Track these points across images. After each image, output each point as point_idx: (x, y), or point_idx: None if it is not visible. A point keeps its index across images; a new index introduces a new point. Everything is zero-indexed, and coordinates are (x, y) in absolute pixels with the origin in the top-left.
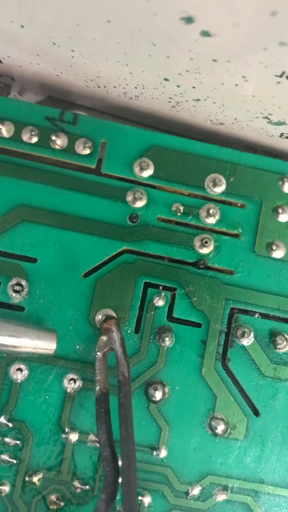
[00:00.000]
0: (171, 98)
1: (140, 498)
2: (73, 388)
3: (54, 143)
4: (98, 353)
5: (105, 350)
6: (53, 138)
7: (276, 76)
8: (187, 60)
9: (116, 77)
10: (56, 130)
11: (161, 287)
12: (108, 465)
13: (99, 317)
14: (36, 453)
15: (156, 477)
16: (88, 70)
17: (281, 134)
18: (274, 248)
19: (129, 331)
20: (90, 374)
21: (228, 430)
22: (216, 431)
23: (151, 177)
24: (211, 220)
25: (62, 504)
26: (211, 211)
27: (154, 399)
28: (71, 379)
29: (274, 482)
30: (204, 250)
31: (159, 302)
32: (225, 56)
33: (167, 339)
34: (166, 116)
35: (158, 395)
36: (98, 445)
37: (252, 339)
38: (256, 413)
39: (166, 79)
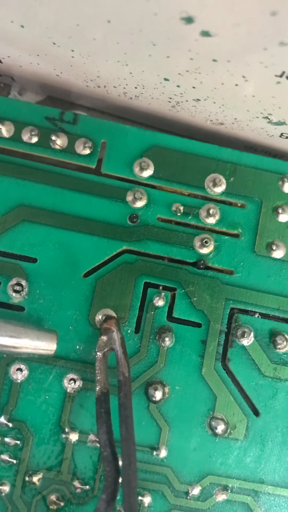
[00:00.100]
0: (171, 98)
1: (140, 498)
2: (73, 388)
3: (54, 143)
4: (98, 353)
5: (105, 350)
6: (53, 138)
7: (276, 76)
8: (187, 60)
9: (116, 77)
10: (56, 130)
11: (161, 287)
12: (108, 465)
13: (99, 317)
14: (36, 453)
15: (156, 477)
16: (88, 70)
17: (281, 134)
18: (274, 248)
19: (129, 331)
20: (90, 374)
21: (228, 430)
22: (216, 431)
23: (151, 177)
24: (211, 220)
25: (62, 504)
26: (211, 211)
27: (154, 399)
28: (71, 379)
29: (274, 482)
30: (204, 250)
31: (159, 302)
32: (225, 56)
33: (167, 339)
34: (166, 116)
35: (158, 395)
36: (98, 445)
37: (252, 339)
38: (256, 413)
39: (166, 79)
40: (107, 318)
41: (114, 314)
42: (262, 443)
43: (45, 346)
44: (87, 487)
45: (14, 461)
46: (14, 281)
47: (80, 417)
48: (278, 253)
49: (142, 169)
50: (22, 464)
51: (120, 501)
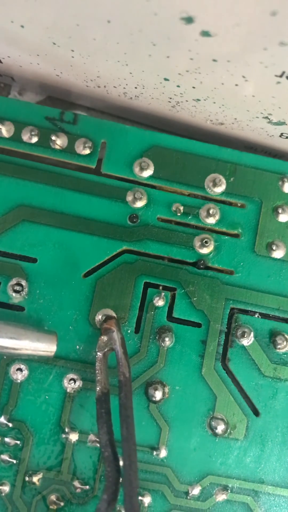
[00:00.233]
0: (171, 98)
1: (140, 498)
2: (73, 388)
3: (54, 143)
4: (98, 353)
5: (106, 350)
6: (53, 138)
7: (276, 76)
8: (187, 60)
9: (116, 77)
10: (56, 130)
11: (161, 287)
12: (109, 465)
13: (99, 317)
14: (36, 453)
15: (156, 477)
16: (88, 70)
17: (281, 134)
18: (274, 248)
19: (129, 331)
20: (90, 374)
21: (228, 430)
22: (216, 431)
23: (151, 177)
24: (211, 220)
25: (62, 504)
26: (211, 211)
27: (154, 399)
28: (71, 379)
29: (274, 482)
30: (204, 250)
31: (159, 302)
32: (225, 56)
33: (167, 339)
34: (166, 116)
35: (158, 395)
36: (98, 445)
37: (252, 339)
38: (256, 413)
39: (166, 79)
40: (107, 318)
41: (114, 314)
42: (262, 443)
43: (45, 347)
44: (87, 487)
45: (14, 461)
46: (14, 281)
47: (80, 417)
48: (278, 253)
49: (142, 169)
50: (22, 464)
51: (121, 501)
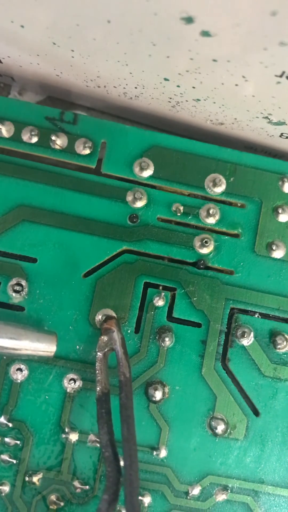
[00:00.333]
0: (171, 98)
1: (140, 498)
2: (73, 388)
3: (54, 143)
4: (98, 353)
5: (106, 350)
6: (53, 138)
7: (276, 76)
8: (187, 60)
9: (116, 77)
10: (56, 130)
11: (161, 287)
12: (110, 465)
13: (99, 317)
14: (36, 453)
15: (156, 477)
16: (88, 70)
17: (281, 134)
18: (274, 248)
19: (129, 331)
20: (90, 374)
21: (228, 430)
22: (216, 431)
23: (151, 177)
24: (211, 220)
25: (62, 504)
26: (211, 211)
27: (154, 399)
28: (71, 379)
29: (274, 482)
30: (204, 250)
31: (159, 302)
32: (225, 56)
33: (167, 339)
34: (166, 116)
35: (158, 395)
36: (98, 445)
37: (252, 339)
38: (256, 413)
39: (166, 79)
40: (107, 318)
41: (114, 314)
42: (262, 443)
43: (45, 347)
44: (87, 487)
45: (14, 461)
46: (14, 281)
47: (80, 417)
48: (278, 253)
49: (142, 169)
50: (22, 464)
51: (122, 501)
